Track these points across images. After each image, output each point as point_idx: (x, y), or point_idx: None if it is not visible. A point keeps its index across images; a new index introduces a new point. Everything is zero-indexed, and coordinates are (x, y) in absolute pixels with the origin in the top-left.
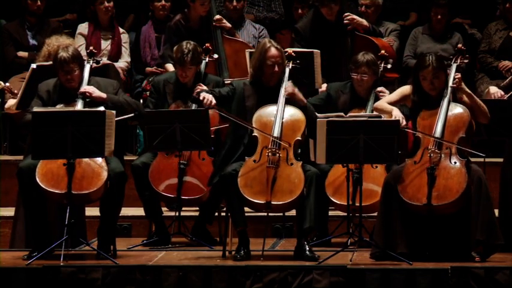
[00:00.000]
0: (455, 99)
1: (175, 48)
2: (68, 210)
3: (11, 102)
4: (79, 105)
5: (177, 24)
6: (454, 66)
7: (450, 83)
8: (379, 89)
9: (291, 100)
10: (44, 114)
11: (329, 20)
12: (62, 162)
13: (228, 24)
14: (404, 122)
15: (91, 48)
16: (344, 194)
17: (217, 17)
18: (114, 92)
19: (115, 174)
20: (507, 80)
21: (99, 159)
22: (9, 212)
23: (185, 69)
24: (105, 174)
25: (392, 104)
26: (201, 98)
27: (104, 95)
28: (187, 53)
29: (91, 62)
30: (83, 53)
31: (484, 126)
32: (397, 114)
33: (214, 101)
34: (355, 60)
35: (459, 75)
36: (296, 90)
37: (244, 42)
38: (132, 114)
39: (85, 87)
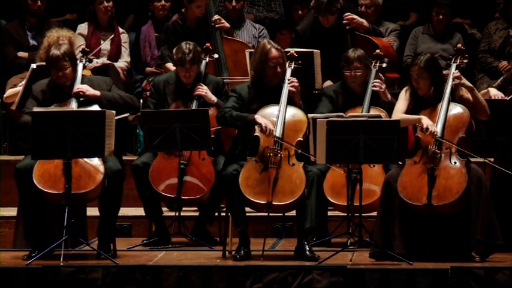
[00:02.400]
0: (455, 98)
1: (175, 49)
2: (66, 210)
3: (10, 91)
4: (73, 104)
5: (175, 25)
6: (453, 66)
7: (450, 83)
8: (375, 85)
9: (290, 99)
10: (44, 115)
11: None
12: (59, 162)
13: (227, 24)
14: (436, 130)
15: (83, 47)
16: (341, 194)
17: (216, 17)
18: (107, 88)
19: (112, 172)
20: (499, 80)
21: (96, 158)
22: (10, 212)
23: (187, 69)
24: (102, 173)
25: (406, 112)
26: (262, 126)
27: (97, 93)
28: (188, 52)
29: (84, 60)
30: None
31: (484, 127)
32: (428, 122)
33: (274, 129)
34: (346, 57)
35: (457, 73)
36: (299, 88)
37: (244, 42)
38: (127, 114)
39: (78, 86)
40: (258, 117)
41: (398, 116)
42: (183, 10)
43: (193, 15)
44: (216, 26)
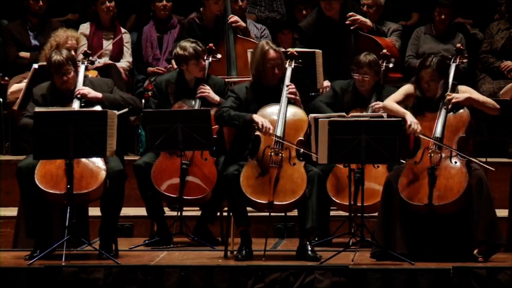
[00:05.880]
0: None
1: (181, 49)
2: (68, 210)
3: (15, 86)
4: (75, 107)
5: (191, 23)
6: (453, 66)
7: (450, 83)
8: (376, 106)
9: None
10: (46, 115)
11: (332, 19)
12: (61, 162)
13: (243, 24)
14: (419, 128)
15: (85, 48)
16: (345, 194)
17: (232, 16)
18: (109, 90)
19: (114, 172)
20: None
21: (98, 159)
22: (11, 212)
23: (200, 61)
24: (103, 173)
25: (398, 103)
26: (259, 125)
27: (99, 95)
28: (198, 44)
29: (86, 62)
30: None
31: (486, 127)
32: (411, 119)
33: (271, 127)
34: (357, 61)
35: (451, 97)
36: (297, 93)
37: (257, 42)
38: (127, 109)
39: (81, 89)
40: (255, 116)
41: (389, 104)
42: (201, 9)
43: (212, 14)
44: (233, 25)
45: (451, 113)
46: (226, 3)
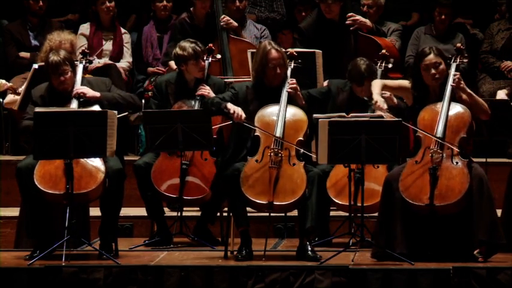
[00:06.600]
0: (455, 98)
1: (180, 48)
2: (68, 210)
3: (10, 97)
4: (74, 106)
5: (182, 23)
6: (453, 66)
7: (450, 82)
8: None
9: (291, 99)
10: (46, 115)
11: (332, 20)
12: (60, 163)
13: (235, 24)
14: (385, 106)
15: (84, 48)
16: (346, 194)
17: (224, 17)
18: (107, 89)
19: (113, 171)
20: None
21: (97, 158)
22: (11, 212)
23: (200, 61)
24: (102, 173)
25: (387, 86)
26: (231, 111)
27: (97, 94)
28: (197, 45)
29: (84, 62)
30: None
31: (486, 127)
32: (376, 97)
33: (244, 115)
34: (358, 76)
35: (458, 75)
36: (298, 88)
37: (250, 42)
38: (126, 113)
39: (79, 88)
40: (229, 104)
41: (374, 81)
42: (191, 9)
43: (201, 13)
44: (224, 25)
45: (452, 113)
46: (217, 3)
